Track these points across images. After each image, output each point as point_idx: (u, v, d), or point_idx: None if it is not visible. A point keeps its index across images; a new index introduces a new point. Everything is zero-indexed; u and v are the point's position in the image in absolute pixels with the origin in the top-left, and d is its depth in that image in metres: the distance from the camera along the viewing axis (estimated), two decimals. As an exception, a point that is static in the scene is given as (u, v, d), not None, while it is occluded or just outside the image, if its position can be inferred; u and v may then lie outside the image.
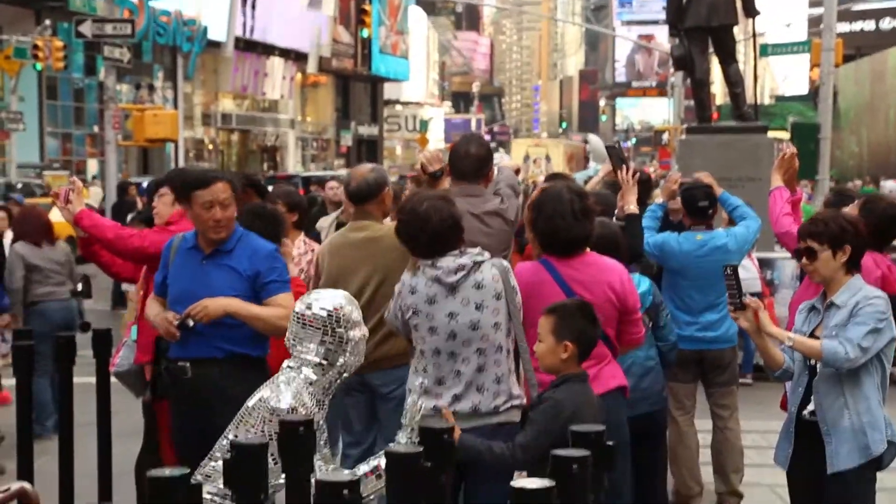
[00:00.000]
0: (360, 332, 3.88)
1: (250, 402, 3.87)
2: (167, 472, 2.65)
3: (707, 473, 6.67)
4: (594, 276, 4.56)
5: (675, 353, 5.53)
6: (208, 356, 4.67)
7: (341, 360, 3.85)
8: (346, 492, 2.54)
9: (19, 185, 24.00)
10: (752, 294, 9.32)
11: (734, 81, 12.35)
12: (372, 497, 3.73)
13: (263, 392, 3.88)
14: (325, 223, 6.60)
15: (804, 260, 4.37)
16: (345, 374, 3.92)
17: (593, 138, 32.40)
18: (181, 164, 38.00)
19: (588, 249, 4.63)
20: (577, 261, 4.57)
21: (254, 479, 3.06)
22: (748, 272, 9.50)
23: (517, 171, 5.49)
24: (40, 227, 8.56)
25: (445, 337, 4.35)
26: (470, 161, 5.10)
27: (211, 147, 46.75)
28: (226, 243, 4.76)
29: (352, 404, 5.18)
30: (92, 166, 38.11)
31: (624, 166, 5.78)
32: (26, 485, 3.26)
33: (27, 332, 5.91)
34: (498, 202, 5.10)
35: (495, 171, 5.25)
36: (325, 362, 3.84)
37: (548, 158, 52.76)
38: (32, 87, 34.36)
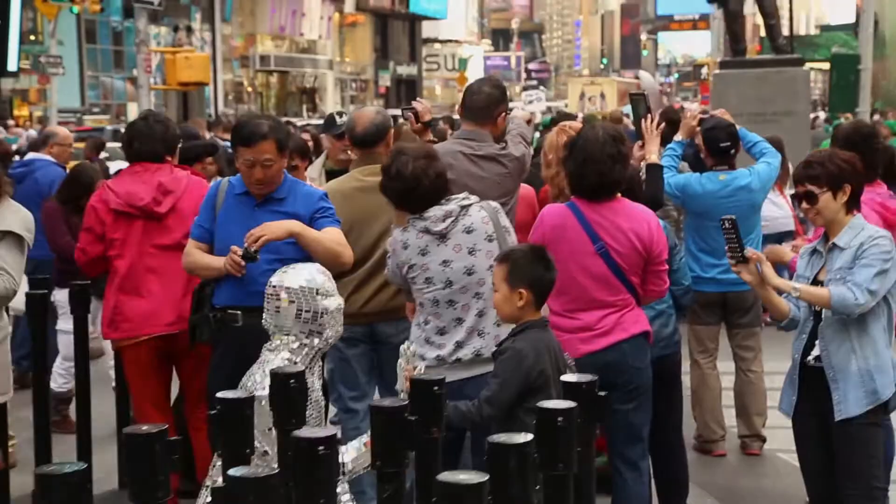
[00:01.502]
0: (335, 302, 3.87)
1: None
2: (144, 428, 2.60)
3: (730, 417, 6.60)
4: (621, 223, 4.47)
5: (690, 297, 5.43)
6: (259, 305, 4.62)
7: (319, 333, 3.84)
8: (321, 448, 2.49)
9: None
10: (786, 233, 9.25)
11: (768, 13, 12.14)
12: (368, 466, 3.69)
13: (250, 379, 3.86)
14: (314, 173, 6.50)
15: (804, 204, 4.23)
16: (328, 344, 3.90)
17: (644, 74, 32.41)
18: (220, 107, 38.06)
19: (619, 195, 4.53)
20: (606, 206, 4.49)
21: (239, 435, 3.04)
22: (780, 210, 9.31)
23: (528, 122, 5.45)
24: None
25: (442, 286, 4.31)
26: (481, 98, 5.08)
27: (250, 89, 46.71)
28: (276, 192, 4.75)
29: (356, 356, 5.11)
30: (132, 110, 38.23)
31: (648, 115, 5.71)
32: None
33: (44, 280, 5.91)
34: (498, 148, 5.01)
35: (508, 119, 5.18)
36: (304, 338, 3.83)
37: (602, 96, 52.07)
38: (71, 31, 34.46)
